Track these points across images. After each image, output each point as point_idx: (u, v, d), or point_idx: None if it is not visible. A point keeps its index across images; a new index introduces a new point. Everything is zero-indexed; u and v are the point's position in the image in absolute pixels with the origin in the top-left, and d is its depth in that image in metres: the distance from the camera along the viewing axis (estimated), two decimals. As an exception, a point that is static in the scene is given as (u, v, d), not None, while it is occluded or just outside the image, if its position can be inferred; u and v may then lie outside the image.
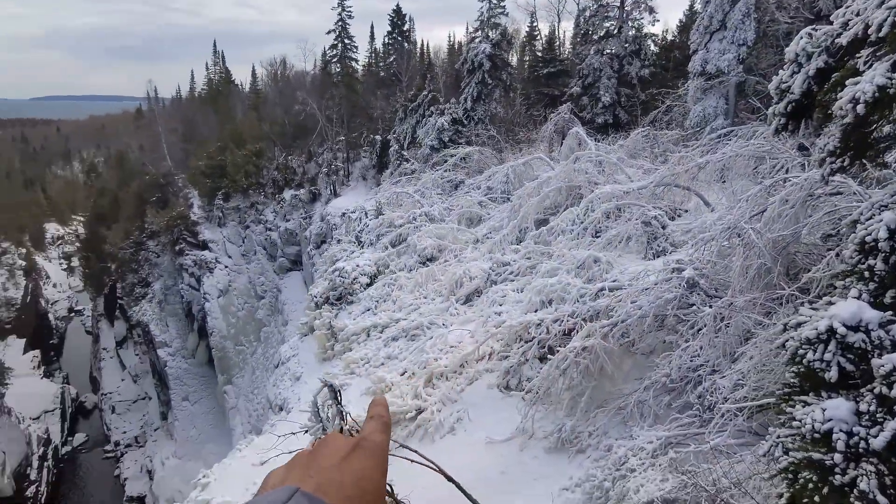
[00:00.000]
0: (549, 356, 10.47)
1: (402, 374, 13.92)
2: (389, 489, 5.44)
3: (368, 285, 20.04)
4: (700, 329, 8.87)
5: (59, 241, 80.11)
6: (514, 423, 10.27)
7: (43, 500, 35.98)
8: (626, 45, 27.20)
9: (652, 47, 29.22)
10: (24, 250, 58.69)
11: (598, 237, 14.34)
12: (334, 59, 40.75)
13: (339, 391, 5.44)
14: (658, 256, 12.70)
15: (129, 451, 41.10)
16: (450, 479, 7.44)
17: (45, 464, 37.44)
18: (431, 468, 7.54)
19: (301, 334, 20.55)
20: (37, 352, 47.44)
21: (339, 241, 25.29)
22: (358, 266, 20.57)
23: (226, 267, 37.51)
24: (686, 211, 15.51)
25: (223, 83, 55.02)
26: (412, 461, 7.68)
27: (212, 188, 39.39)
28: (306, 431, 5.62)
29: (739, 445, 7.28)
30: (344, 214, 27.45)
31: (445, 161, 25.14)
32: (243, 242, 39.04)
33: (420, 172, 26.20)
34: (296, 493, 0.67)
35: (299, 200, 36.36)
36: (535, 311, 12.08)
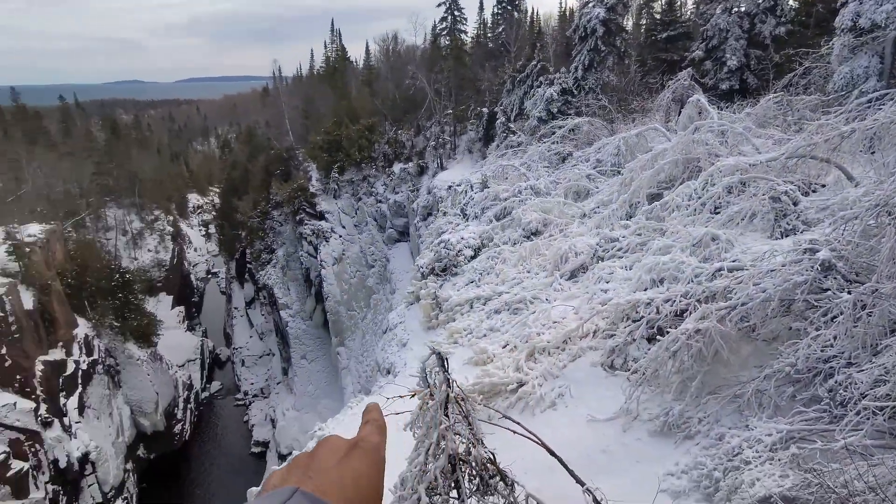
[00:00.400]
0: (658, 337, 10.04)
1: (504, 347, 14.04)
2: (492, 457, 5.59)
3: (472, 258, 20.30)
4: (835, 317, 8.02)
5: (199, 210, 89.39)
6: (618, 403, 10.05)
7: (186, 437, 41.46)
8: (760, 1, 24.40)
9: (790, 2, 25.98)
10: (171, 218, 65.86)
11: (717, 213, 13.31)
12: (444, 32, 40.94)
13: (446, 359, 5.63)
14: (787, 236, 11.55)
15: (256, 400, 45.89)
16: (552, 452, 7.51)
17: (189, 406, 42.94)
18: (534, 441, 7.65)
19: (407, 303, 21.28)
20: (181, 308, 53.71)
21: (444, 213, 25.78)
22: (462, 238, 20.87)
23: (340, 236, 39.90)
24: (823, 186, 13.85)
25: (339, 60, 57.48)
26: (514, 432, 7.84)
27: (328, 162, 41.74)
28: (413, 395, 5.91)
29: (877, 447, 6.57)
30: (450, 187, 27.88)
31: (553, 133, 24.48)
32: (356, 213, 41.19)
33: (526, 145, 25.78)
34: (296, 492, 0.70)
35: (408, 174, 37.51)
36: (645, 289, 11.59)
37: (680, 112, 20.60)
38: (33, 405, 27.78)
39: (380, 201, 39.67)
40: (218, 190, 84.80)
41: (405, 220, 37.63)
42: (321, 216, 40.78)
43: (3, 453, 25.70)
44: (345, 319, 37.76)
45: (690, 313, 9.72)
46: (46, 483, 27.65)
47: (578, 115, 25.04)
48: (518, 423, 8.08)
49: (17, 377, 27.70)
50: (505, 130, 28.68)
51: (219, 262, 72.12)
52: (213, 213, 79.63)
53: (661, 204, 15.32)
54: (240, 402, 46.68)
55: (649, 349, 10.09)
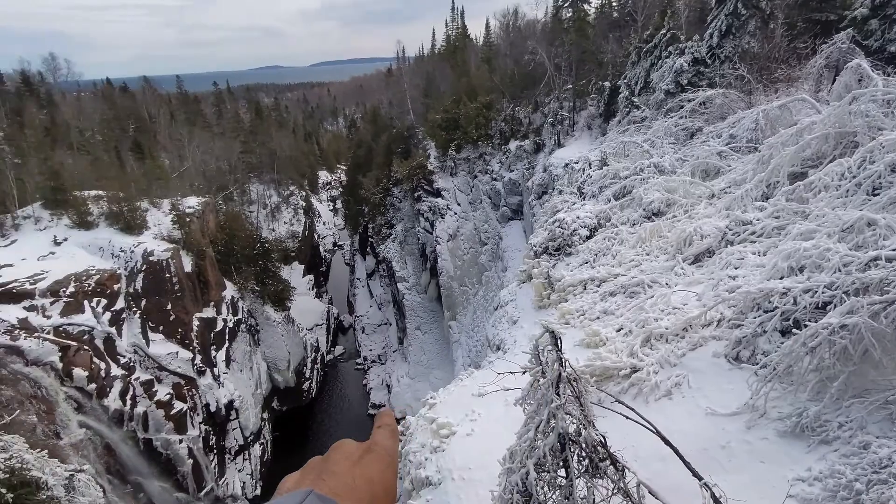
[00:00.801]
0: (794, 330, 9.13)
1: (618, 331, 13.61)
2: (603, 439, 5.50)
3: (588, 238, 19.73)
4: None
5: (328, 186, 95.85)
6: (741, 398, 9.35)
7: (313, 394, 45.45)
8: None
9: None
10: (304, 193, 71.31)
11: (875, 195, 11.61)
12: (566, 4, 39.36)
13: (560, 338, 5.59)
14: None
15: (374, 366, 48.94)
16: (667, 442, 7.22)
17: (315, 366, 46.93)
18: (647, 428, 7.40)
19: (519, 281, 21.25)
20: (311, 276, 58.30)
21: (560, 191, 25.20)
22: (578, 218, 20.32)
23: (455, 213, 40.71)
24: None
25: (459, 38, 57.74)
26: (626, 417, 7.64)
27: (446, 140, 42.48)
28: (524, 372, 5.97)
29: None
30: (567, 165, 27.13)
31: (681, 107, 22.66)
32: (471, 191, 41.68)
33: (651, 120, 24.19)
34: (310, 494, 0.74)
35: (524, 151, 37.06)
36: (781, 277, 10.53)
37: (834, 80, 18.04)
38: (191, 355, 32.17)
39: (495, 179, 39.71)
40: (345, 167, 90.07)
41: (519, 198, 37.35)
42: (438, 193, 41.80)
43: (167, 394, 30.21)
44: (457, 294, 38.71)
45: (835, 306, 8.69)
46: (200, 423, 32.05)
47: (711, 87, 22.88)
48: (632, 409, 7.85)
49: (179, 330, 32.16)
50: (628, 105, 27.12)
51: (344, 235, 77.14)
52: (341, 189, 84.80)
53: (805, 184, 13.67)
54: (359, 367, 50.09)
55: (782, 342, 9.21)
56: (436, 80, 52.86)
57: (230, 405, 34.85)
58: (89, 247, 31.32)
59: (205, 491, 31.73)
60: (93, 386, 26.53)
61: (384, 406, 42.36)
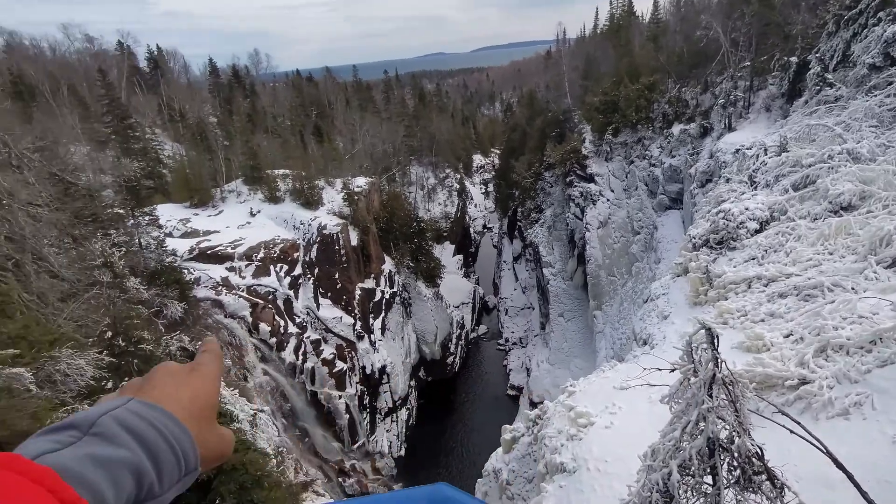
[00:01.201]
0: None
1: (787, 337, 12.39)
2: (760, 451, 5.24)
3: (757, 231, 17.96)
4: None
5: (481, 170, 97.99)
6: (939, 427, 8.07)
7: (456, 369, 47.61)
8: None
9: None
10: (458, 176, 74.05)
11: None
12: (750, -30, 35.17)
13: (717, 337, 5.38)
14: None
15: (515, 348, 49.67)
16: (840, 466, 6.53)
17: (460, 342, 49.02)
18: (817, 448, 6.73)
19: (674, 274, 20.12)
20: (460, 256, 60.67)
21: (727, 180, 23.05)
22: (747, 209, 18.55)
23: (608, 200, 39.27)
24: None
25: (624, 16, 54.79)
26: (791, 431, 7.04)
27: (603, 123, 40.94)
28: (674, 369, 5.83)
29: None
30: (738, 151, 24.62)
31: (890, 83, 19.19)
32: (626, 177, 39.77)
33: (848, 100, 20.82)
34: (131, 400, 0.76)
35: (688, 135, 34.30)
36: None
37: None
38: (352, 321, 35.78)
39: (653, 165, 37.36)
40: (498, 151, 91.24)
41: (679, 185, 34.75)
42: (591, 178, 40.64)
43: (332, 354, 34.05)
44: (604, 284, 37.53)
45: None
46: (357, 383, 35.65)
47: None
48: (798, 424, 7.20)
49: (343, 297, 35.90)
50: (819, 82, 23.59)
51: (494, 218, 78.57)
52: (493, 172, 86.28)
53: None
54: (501, 347, 51.20)
55: None
56: (596, 62, 50.93)
57: (383, 370, 38.15)
58: (276, 218, 36.34)
59: (357, 444, 35.35)
60: (273, 340, 30.97)
61: (523, 387, 42.98)
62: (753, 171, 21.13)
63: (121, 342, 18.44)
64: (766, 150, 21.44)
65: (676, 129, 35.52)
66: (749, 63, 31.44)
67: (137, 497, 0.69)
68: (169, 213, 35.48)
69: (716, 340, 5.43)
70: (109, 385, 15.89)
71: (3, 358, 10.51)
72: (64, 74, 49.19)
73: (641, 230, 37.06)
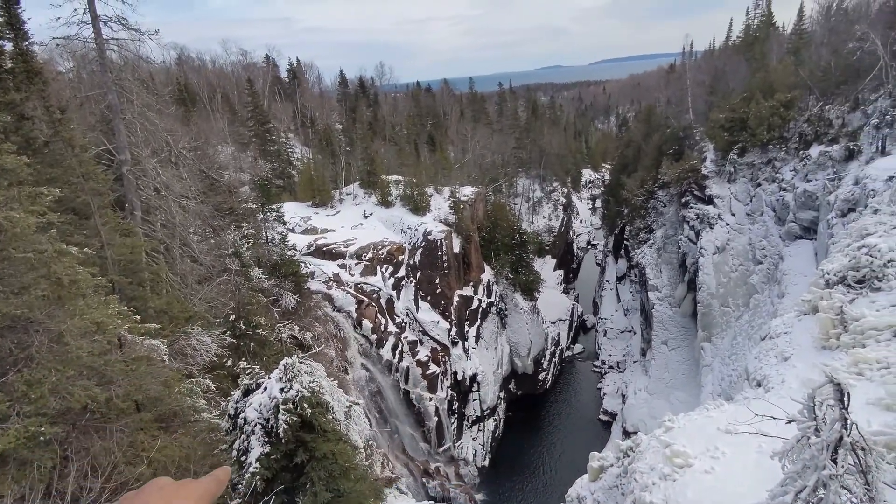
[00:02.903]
0: None
1: (936, 395, 10.72)
2: None
3: (908, 272, 15.68)
4: None
5: (590, 185, 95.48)
6: None
7: (547, 386, 46.50)
8: None
9: None
10: (566, 190, 72.78)
11: None
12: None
13: (848, 394, 4.68)
14: None
15: (611, 372, 47.52)
16: None
17: (553, 359, 47.86)
18: None
19: (800, 312, 18.22)
20: (561, 272, 59.49)
21: (875, 211, 20.39)
22: (899, 245, 16.27)
23: (727, 224, 36.32)
24: None
25: (761, 27, 50.66)
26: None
27: (728, 142, 38.08)
28: (790, 422, 5.14)
29: None
30: (891, 178, 21.71)
31: None
32: (751, 201, 36.49)
33: None
34: None
35: (829, 158, 30.73)
36: None
37: None
38: (448, 326, 36.28)
39: (784, 189, 33.86)
40: (610, 166, 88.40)
41: (814, 214, 31.16)
42: (709, 200, 37.87)
43: (426, 356, 34.73)
44: (717, 314, 34.69)
45: None
46: (448, 388, 36.04)
47: None
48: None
49: (442, 302, 36.54)
50: None
51: (599, 235, 76.06)
52: (602, 188, 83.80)
53: None
54: (596, 369, 49.23)
55: None
56: (725, 76, 47.53)
57: (474, 377, 38.23)
58: (386, 221, 38.08)
59: (443, 448, 35.68)
60: (374, 336, 32.31)
61: (617, 414, 40.91)
62: (909, 203, 18.49)
63: (241, 326, 20.20)
64: (927, 178, 18.67)
65: (815, 150, 31.99)
66: (912, 80, 27.63)
67: None
68: (293, 210, 38.60)
69: (846, 398, 4.72)
70: (229, 363, 17.44)
71: (149, 330, 11.87)
72: (220, 84, 55.47)
73: (764, 259, 33.76)
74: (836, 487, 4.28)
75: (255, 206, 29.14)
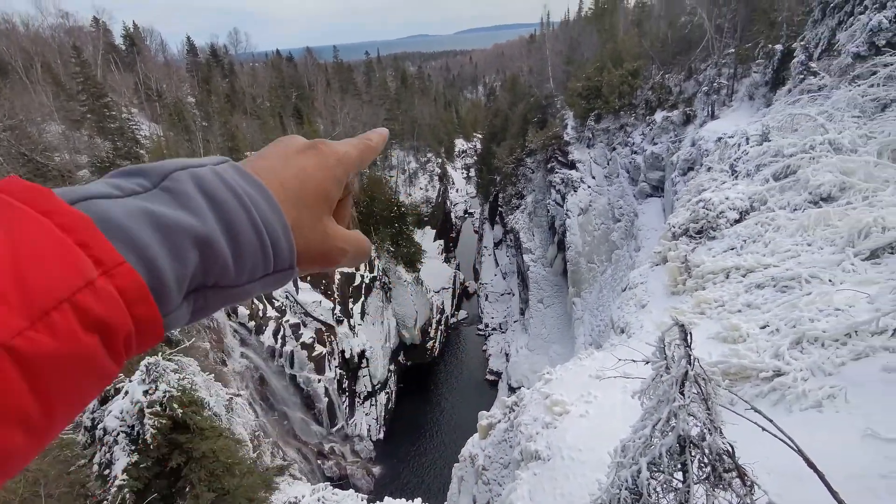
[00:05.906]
0: None
1: (763, 328, 12.34)
2: (730, 449, 5.02)
3: (736, 221, 17.89)
4: None
5: (463, 154, 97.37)
6: (913, 422, 7.98)
7: (436, 354, 47.47)
8: None
9: None
10: (440, 160, 73.44)
11: None
12: (737, -45, 34.83)
13: (690, 333, 5.16)
14: None
15: (494, 333, 49.67)
16: (810, 464, 6.34)
17: (440, 327, 48.82)
18: (788, 445, 6.54)
19: (652, 263, 20.03)
20: (441, 241, 60.32)
21: (709, 168, 22.95)
22: (727, 199, 18.45)
23: (588, 187, 39.07)
24: None
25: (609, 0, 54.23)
26: (762, 428, 6.83)
27: (585, 109, 40.56)
28: (647, 362, 5.62)
29: None
30: (719, 139, 24.50)
31: (874, 73, 19.12)
32: (608, 164, 39.57)
33: (831, 89, 20.76)
34: (227, 161, 0.64)
35: (671, 123, 34.15)
36: None
37: None
38: (332, 305, 35.22)
39: (635, 152, 37.16)
40: (480, 136, 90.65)
41: (661, 173, 34.64)
42: (572, 165, 40.37)
43: (311, 338, 33.53)
44: (584, 271, 37.50)
45: None
46: (336, 367, 35.24)
47: (919, 48, 18.97)
48: (770, 421, 6.99)
49: (323, 281, 35.28)
50: (802, 71, 23.48)
51: (475, 203, 78.22)
52: (475, 157, 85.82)
53: None
54: (480, 333, 51.19)
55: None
56: (580, 46, 50.38)
57: (362, 354, 37.78)
58: (253, 201, 35.50)
59: (336, 428, 35.09)
60: (252, 323, 30.37)
61: (502, 373, 43.04)
62: (735, 160, 21.03)
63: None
64: (747, 139, 21.33)
65: (659, 116, 35.33)
66: (733, 50, 31.27)
67: (205, 278, 0.56)
68: (143, 193, 34.37)
69: (689, 337, 5.22)
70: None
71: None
72: (37, 51, 47.05)
73: (622, 218, 36.99)
74: (684, 415, 4.76)
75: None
